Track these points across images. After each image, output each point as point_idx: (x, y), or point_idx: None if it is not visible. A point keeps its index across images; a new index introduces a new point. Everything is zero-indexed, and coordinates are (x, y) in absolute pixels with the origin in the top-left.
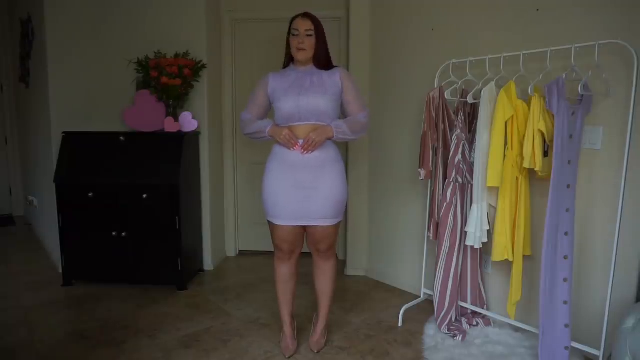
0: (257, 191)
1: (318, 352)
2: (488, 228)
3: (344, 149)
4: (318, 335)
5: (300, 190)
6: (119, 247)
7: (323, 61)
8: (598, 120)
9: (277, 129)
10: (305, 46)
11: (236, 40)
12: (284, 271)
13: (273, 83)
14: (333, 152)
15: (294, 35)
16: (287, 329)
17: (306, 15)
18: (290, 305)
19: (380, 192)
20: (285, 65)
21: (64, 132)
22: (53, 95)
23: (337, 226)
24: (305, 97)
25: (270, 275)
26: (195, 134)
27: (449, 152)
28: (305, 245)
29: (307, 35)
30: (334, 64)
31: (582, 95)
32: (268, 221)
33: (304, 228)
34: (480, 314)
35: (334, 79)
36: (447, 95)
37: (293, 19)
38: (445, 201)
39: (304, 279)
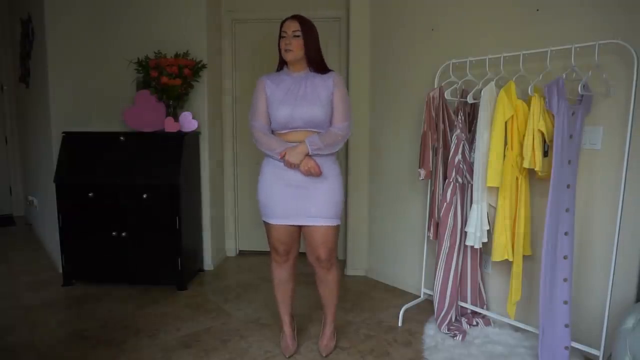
0: (256, 191)
1: (327, 355)
2: (488, 228)
3: (345, 148)
4: (327, 339)
5: (295, 188)
6: (119, 247)
7: (315, 62)
8: (598, 120)
9: (293, 155)
10: (292, 47)
11: (236, 40)
12: (281, 274)
13: (268, 87)
14: (329, 154)
15: (282, 37)
16: (287, 329)
17: (294, 17)
18: (289, 307)
19: (380, 192)
20: (279, 68)
21: (64, 132)
22: (53, 95)
23: (335, 230)
24: (300, 107)
25: (270, 275)
26: (195, 134)
27: (449, 152)
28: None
29: (295, 36)
30: (330, 67)
31: (582, 95)
32: (264, 222)
33: (300, 229)
34: (480, 313)
35: (327, 84)
36: (447, 95)
37: (282, 22)
38: (445, 201)
39: (304, 278)
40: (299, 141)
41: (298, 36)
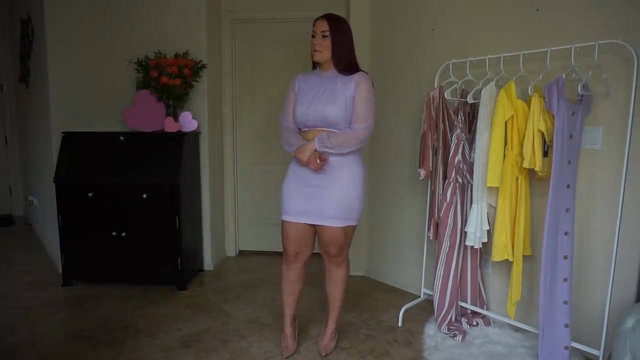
0: (257, 191)
1: (326, 355)
2: (488, 228)
3: None
4: (327, 339)
5: (311, 187)
6: (119, 247)
7: (341, 63)
8: (598, 120)
9: (301, 151)
10: (321, 47)
11: (236, 40)
12: (289, 274)
13: (298, 86)
14: (350, 155)
15: (312, 37)
16: (288, 329)
17: (324, 17)
18: (293, 308)
19: (380, 192)
20: (314, 67)
21: (64, 132)
22: (53, 95)
23: (344, 230)
24: (314, 106)
25: (270, 275)
26: (195, 134)
27: (449, 152)
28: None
29: (323, 37)
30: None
31: (582, 95)
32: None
33: (314, 229)
34: (480, 314)
35: (348, 84)
36: (447, 95)
37: (315, 20)
38: (445, 201)
39: (307, 278)
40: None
41: (326, 36)
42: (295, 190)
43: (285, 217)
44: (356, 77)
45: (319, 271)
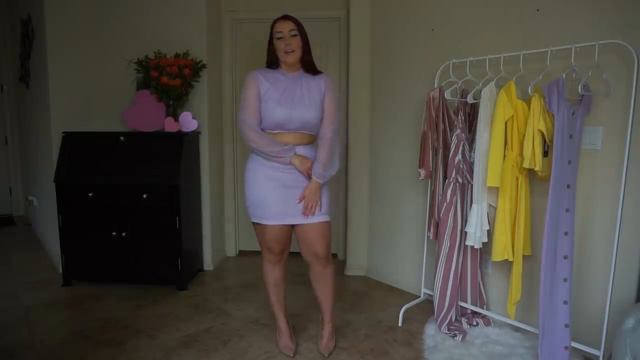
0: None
1: (328, 355)
2: (488, 228)
3: (344, 148)
4: (326, 339)
5: (289, 188)
6: (119, 247)
7: (308, 62)
8: (598, 120)
9: (301, 162)
10: (293, 47)
11: (236, 40)
12: (277, 275)
13: (262, 84)
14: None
15: (278, 38)
16: (285, 328)
17: (286, 17)
18: (284, 306)
19: (380, 192)
20: (269, 66)
21: (64, 132)
22: (53, 95)
23: (330, 225)
24: (298, 110)
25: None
26: (195, 134)
27: (449, 152)
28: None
29: (292, 36)
30: (331, 67)
31: (582, 95)
32: (255, 223)
33: (292, 228)
34: (480, 314)
35: (319, 86)
36: (447, 95)
37: (273, 23)
38: (445, 201)
39: (299, 278)
40: (290, 142)
41: (295, 35)
42: (272, 192)
43: (269, 222)
44: (324, 78)
45: (307, 270)
